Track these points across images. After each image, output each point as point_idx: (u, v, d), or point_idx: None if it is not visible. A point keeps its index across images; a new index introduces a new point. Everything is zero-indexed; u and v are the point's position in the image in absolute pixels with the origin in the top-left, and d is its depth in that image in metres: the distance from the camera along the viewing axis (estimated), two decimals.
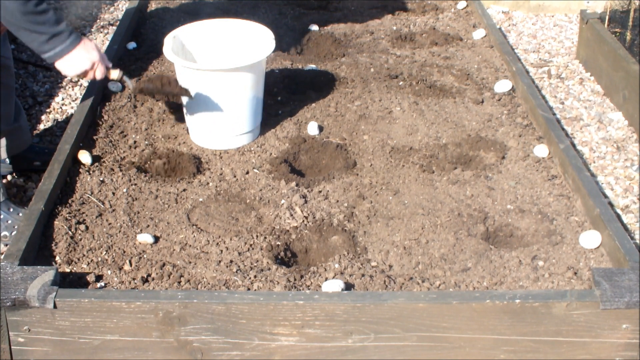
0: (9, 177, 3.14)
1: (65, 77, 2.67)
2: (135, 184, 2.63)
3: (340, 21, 4.03)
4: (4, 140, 2.99)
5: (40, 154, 3.15)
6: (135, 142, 2.88)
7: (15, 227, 2.72)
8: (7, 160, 3.09)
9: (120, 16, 4.67)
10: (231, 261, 2.27)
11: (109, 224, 2.43)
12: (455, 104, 3.20)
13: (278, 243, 2.36)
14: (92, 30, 4.60)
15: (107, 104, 3.12)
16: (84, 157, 2.71)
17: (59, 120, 3.59)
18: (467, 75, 3.44)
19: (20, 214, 2.76)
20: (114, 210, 2.50)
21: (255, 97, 2.85)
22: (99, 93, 3.14)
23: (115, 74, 2.80)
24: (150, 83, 2.77)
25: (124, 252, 2.31)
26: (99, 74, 2.70)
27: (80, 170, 2.68)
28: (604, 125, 3.59)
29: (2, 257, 2.17)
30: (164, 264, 2.25)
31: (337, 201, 2.56)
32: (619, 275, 2.06)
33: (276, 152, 2.84)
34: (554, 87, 3.97)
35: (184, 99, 2.84)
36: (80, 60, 2.62)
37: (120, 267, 2.25)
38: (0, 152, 3.01)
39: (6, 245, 2.73)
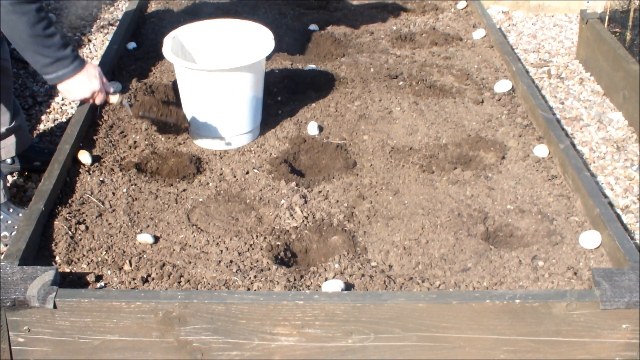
0: (9, 177, 3.14)
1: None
2: (135, 184, 2.63)
3: (340, 21, 4.03)
4: (7, 141, 2.99)
5: (40, 154, 3.15)
6: (135, 142, 2.88)
7: (15, 227, 2.72)
8: (8, 161, 3.09)
9: (120, 16, 4.67)
10: (231, 261, 2.27)
11: (109, 224, 2.43)
12: (455, 104, 3.20)
13: (278, 243, 2.36)
14: (92, 30, 4.60)
15: (107, 104, 3.12)
16: (84, 157, 2.71)
17: (59, 120, 3.59)
18: (467, 75, 3.44)
19: (20, 214, 2.76)
20: (114, 210, 2.50)
21: (255, 97, 2.85)
22: None
23: (114, 98, 2.81)
24: (151, 112, 2.76)
25: (124, 252, 2.31)
26: (97, 101, 2.75)
27: (80, 170, 2.68)
28: (604, 125, 3.59)
29: (2, 257, 2.17)
30: (164, 264, 2.25)
31: (337, 201, 2.56)
32: (619, 275, 2.06)
33: (276, 152, 2.84)
34: (554, 87, 3.97)
35: (184, 109, 2.85)
36: (81, 87, 2.65)
37: (120, 267, 2.25)
38: (1, 153, 3.00)
39: (6, 245, 2.73)
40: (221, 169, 2.75)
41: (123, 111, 3.08)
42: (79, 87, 2.65)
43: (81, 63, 2.63)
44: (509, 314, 1.99)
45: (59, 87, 2.64)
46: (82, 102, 2.80)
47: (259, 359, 2.04)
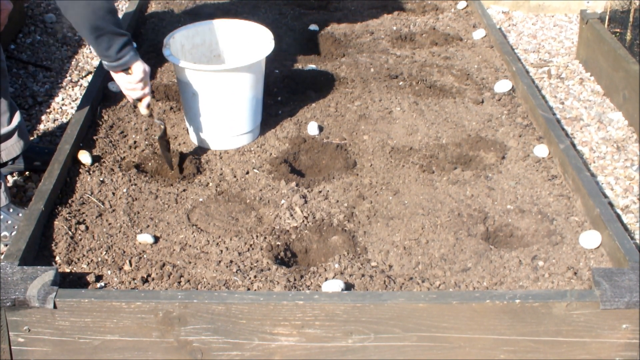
0: (9, 178, 3.14)
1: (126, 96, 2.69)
2: (135, 184, 2.63)
3: (340, 21, 4.03)
4: (8, 142, 2.99)
5: (40, 154, 3.14)
6: (135, 142, 2.88)
7: (15, 227, 2.72)
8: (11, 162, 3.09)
9: (120, 16, 4.66)
10: (231, 261, 2.27)
11: (109, 224, 2.43)
12: (455, 104, 3.20)
13: (278, 243, 2.36)
14: None
15: (107, 104, 3.12)
16: (84, 157, 2.71)
17: (59, 120, 3.59)
18: (467, 75, 3.44)
19: (20, 214, 2.76)
20: (114, 210, 2.50)
21: (255, 97, 2.85)
22: (99, 93, 3.15)
23: (145, 108, 2.69)
24: (163, 145, 2.74)
25: (124, 252, 2.31)
26: (142, 93, 2.64)
27: (80, 170, 2.68)
28: (604, 125, 3.59)
29: (2, 257, 2.17)
30: (164, 264, 2.25)
31: (337, 201, 2.56)
32: (619, 275, 2.06)
33: (276, 152, 2.84)
34: (554, 87, 3.97)
35: (184, 109, 2.86)
36: (142, 70, 2.58)
37: (120, 267, 2.25)
38: (2, 155, 3.00)
39: (6, 245, 2.73)
40: (221, 169, 2.75)
41: (123, 111, 3.08)
42: (141, 69, 2.56)
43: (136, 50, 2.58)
44: (509, 314, 1.99)
45: (133, 67, 2.55)
46: (136, 97, 2.66)
47: (259, 359, 2.04)
